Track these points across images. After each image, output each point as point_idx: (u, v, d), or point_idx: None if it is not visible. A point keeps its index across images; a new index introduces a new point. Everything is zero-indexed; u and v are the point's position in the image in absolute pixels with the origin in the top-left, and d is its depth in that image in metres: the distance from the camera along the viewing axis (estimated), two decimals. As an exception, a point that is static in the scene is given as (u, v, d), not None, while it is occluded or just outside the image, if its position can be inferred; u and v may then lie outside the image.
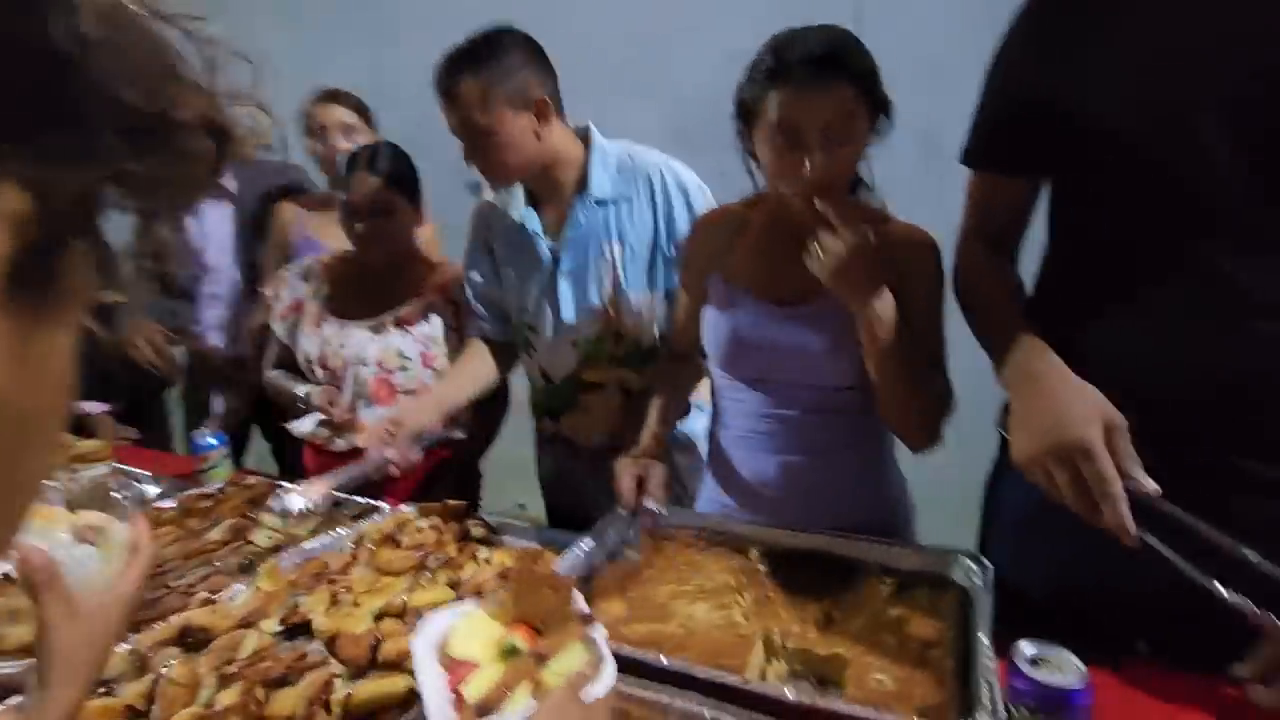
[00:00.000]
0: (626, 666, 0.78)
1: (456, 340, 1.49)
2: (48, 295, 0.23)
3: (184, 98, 0.25)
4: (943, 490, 1.29)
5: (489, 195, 1.43)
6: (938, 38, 2.02)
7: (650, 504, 1.10)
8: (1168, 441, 0.70)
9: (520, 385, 1.59)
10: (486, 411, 1.56)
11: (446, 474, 1.51)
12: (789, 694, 0.72)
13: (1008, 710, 0.66)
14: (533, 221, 1.33)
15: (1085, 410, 0.70)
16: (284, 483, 1.40)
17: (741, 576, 0.99)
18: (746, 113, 0.99)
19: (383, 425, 1.24)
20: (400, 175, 1.43)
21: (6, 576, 0.95)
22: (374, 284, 1.49)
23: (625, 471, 1.14)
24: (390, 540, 1.15)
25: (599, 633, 0.71)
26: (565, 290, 1.32)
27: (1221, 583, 0.64)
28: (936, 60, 1.83)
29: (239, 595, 1.02)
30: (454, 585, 1.03)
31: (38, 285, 0.22)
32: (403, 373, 1.44)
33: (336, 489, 1.22)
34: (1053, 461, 0.71)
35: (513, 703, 0.63)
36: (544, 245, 1.33)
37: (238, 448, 1.65)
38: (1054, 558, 0.84)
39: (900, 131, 1.00)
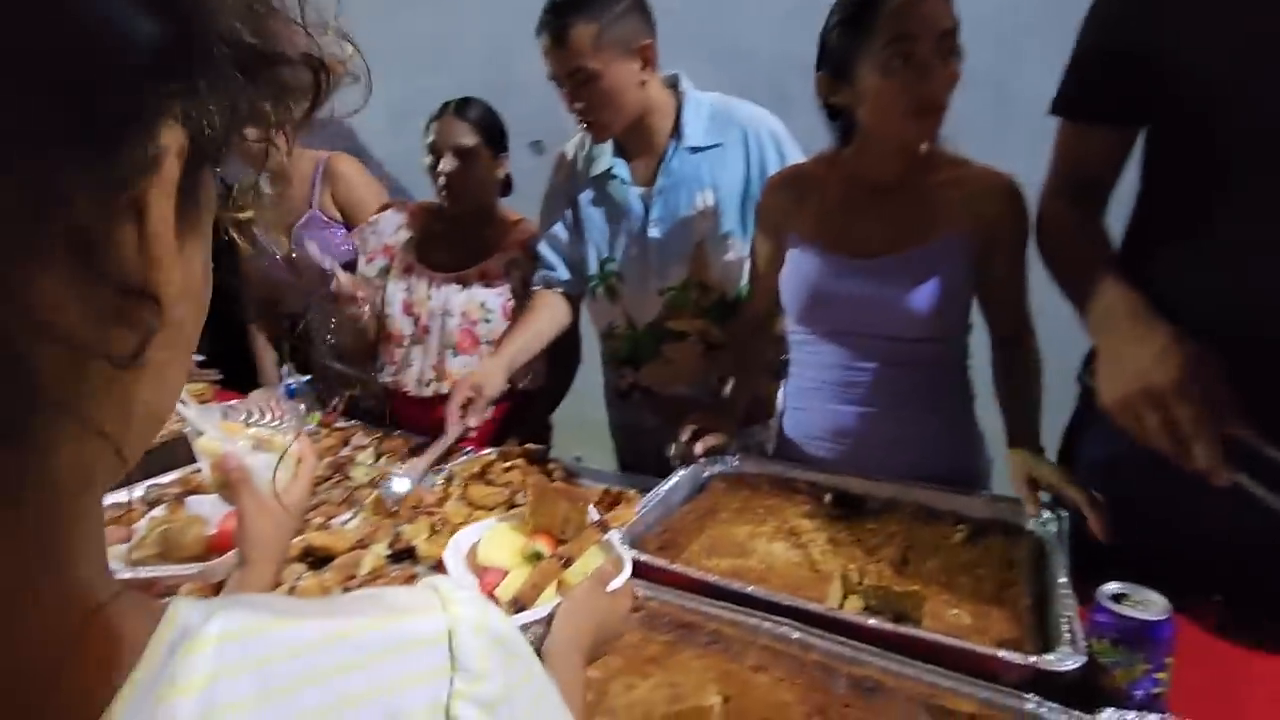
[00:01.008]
0: (717, 593, 0.84)
1: (526, 296, 1.54)
2: (193, 215, 0.26)
3: (284, 31, 0.27)
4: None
5: (570, 147, 1.46)
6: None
7: (699, 454, 1.15)
8: (1259, 384, 0.70)
9: (589, 340, 1.65)
10: (560, 364, 1.62)
11: (519, 425, 1.58)
12: (872, 622, 0.76)
13: (1088, 643, 0.70)
14: (623, 170, 1.36)
15: (1175, 353, 0.71)
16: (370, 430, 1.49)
17: (817, 520, 1.03)
18: (838, 59, 1.00)
19: (461, 393, 1.28)
20: (488, 123, 1.48)
21: (178, 498, 1.06)
22: (459, 236, 1.54)
23: (688, 424, 1.19)
24: (480, 478, 1.23)
25: (614, 536, 0.79)
26: (655, 238, 1.35)
27: None
28: (1001, 10, 1.78)
29: (349, 523, 1.11)
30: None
31: (189, 206, 0.26)
32: (485, 324, 1.51)
33: (433, 464, 1.28)
34: (1144, 404, 0.71)
35: (543, 600, 0.71)
36: (634, 194, 1.36)
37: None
38: (1133, 506, 0.85)
39: (967, 82, 1.00)
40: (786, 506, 1.07)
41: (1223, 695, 0.72)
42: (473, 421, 1.28)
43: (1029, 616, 0.79)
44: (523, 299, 1.52)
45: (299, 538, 1.03)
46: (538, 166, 1.55)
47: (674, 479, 1.13)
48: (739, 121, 1.33)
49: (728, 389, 1.29)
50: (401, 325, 1.54)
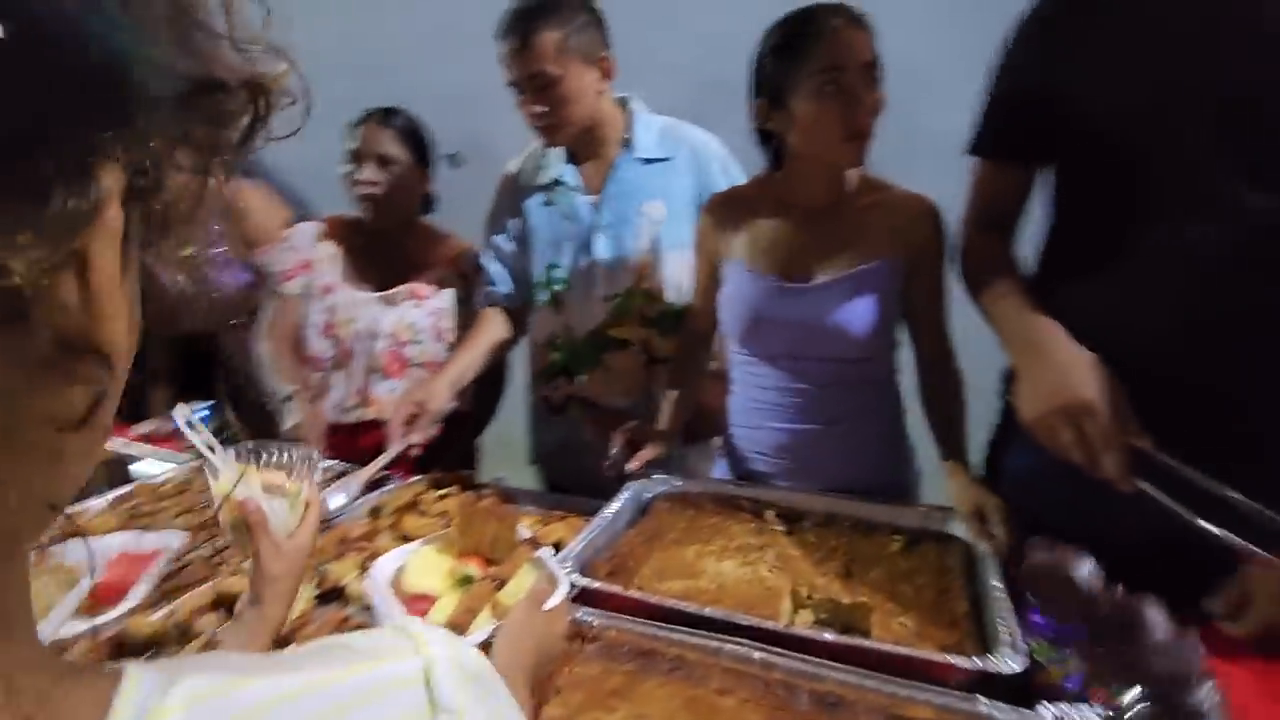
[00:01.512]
0: (675, 617, 0.83)
1: (464, 315, 1.50)
2: (130, 256, 0.25)
3: (215, 50, 0.25)
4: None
5: (515, 162, 1.46)
6: (911, 33, 2.11)
7: (634, 468, 1.16)
8: (1154, 403, 0.78)
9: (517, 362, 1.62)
10: (487, 386, 1.58)
11: (446, 451, 1.52)
12: (828, 637, 0.78)
13: (1026, 643, 0.74)
14: (572, 177, 1.38)
15: (1087, 374, 0.78)
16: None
17: (761, 536, 1.05)
18: (772, 86, 1.04)
19: (404, 409, 1.24)
20: (414, 134, 1.44)
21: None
22: (384, 252, 1.48)
23: (622, 435, 1.21)
24: (412, 509, 1.17)
25: (546, 553, 0.79)
26: (602, 245, 1.36)
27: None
28: (909, 49, 1.92)
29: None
30: (483, 549, 1.07)
31: (128, 249, 0.25)
32: (415, 346, 1.45)
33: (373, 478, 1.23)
34: (1059, 420, 0.78)
35: (478, 624, 0.70)
36: (583, 201, 1.38)
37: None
38: (1052, 512, 0.92)
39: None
40: (731, 524, 1.09)
41: None
42: (416, 437, 1.24)
43: (967, 621, 0.84)
44: (456, 318, 1.47)
45: (209, 584, 0.95)
46: (454, 179, 1.52)
47: (617, 502, 1.12)
48: (688, 141, 1.37)
49: (666, 404, 1.29)
50: (320, 348, 1.46)
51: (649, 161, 1.36)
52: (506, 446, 1.77)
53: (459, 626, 0.70)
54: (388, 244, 1.49)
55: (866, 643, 0.77)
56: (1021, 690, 0.73)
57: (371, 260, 1.49)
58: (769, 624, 0.81)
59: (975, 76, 1.07)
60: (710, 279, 1.22)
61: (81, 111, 0.21)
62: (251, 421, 1.52)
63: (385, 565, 0.82)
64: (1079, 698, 0.72)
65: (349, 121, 1.43)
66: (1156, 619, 0.63)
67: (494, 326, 1.43)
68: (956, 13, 1.98)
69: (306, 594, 0.96)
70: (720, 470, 1.29)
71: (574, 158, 1.39)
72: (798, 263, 1.12)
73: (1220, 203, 0.78)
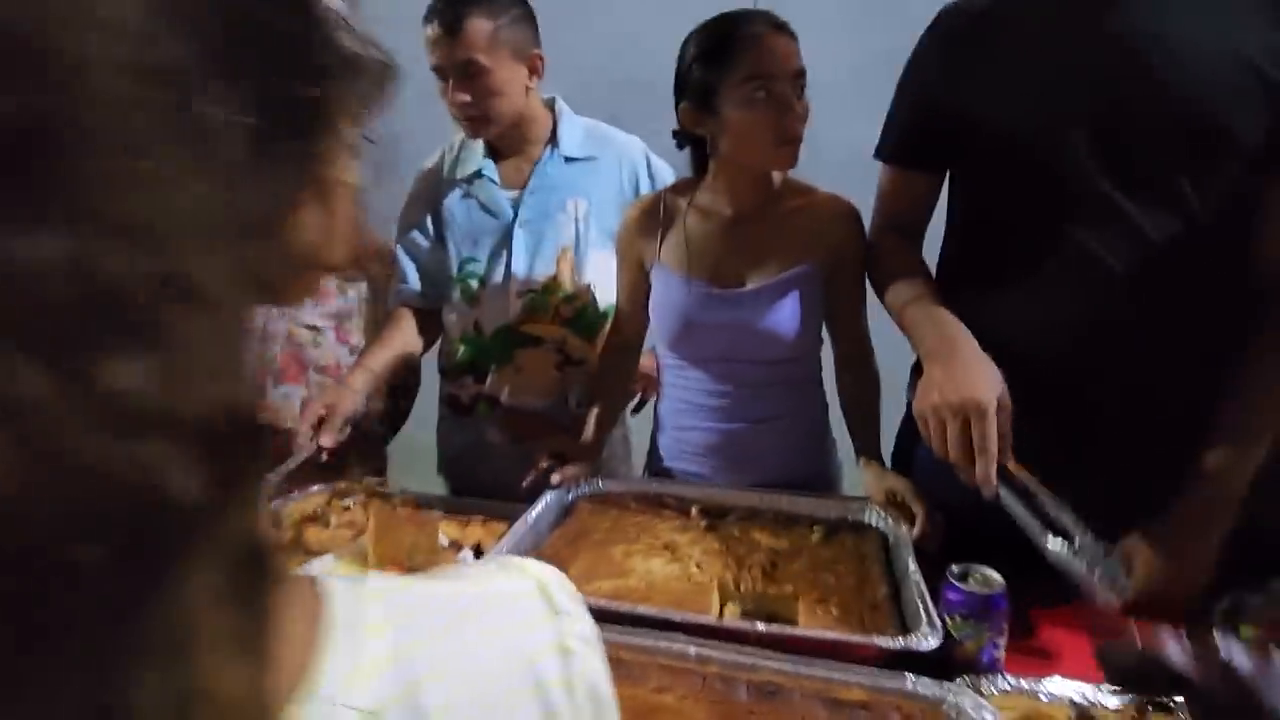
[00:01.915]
0: (607, 617, 0.81)
1: (371, 314, 1.42)
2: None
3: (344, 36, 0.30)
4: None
5: (433, 158, 1.41)
6: (810, 44, 2.22)
7: (556, 484, 1.13)
8: (1040, 396, 0.84)
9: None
10: (398, 390, 1.50)
11: (351, 455, 1.43)
12: (760, 627, 0.79)
13: (942, 620, 0.78)
14: (492, 171, 1.34)
15: (989, 380, 0.81)
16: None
17: (687, 533, 1.05)
18: (700, 92, 1.04)
19: (313, 410, 1.17)
20: None
21: None
22: None
23: (547, 454, 1.17)
24: (316, 520, 1.09)
25: (467, 556, 0.76)
26: (521, 240, 1.33)
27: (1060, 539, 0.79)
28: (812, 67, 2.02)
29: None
30: (398, 561, 1.00)
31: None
32: (315, 349, 1.35)
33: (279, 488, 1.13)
34: (949, 414, 0.80)
35: None
36: (503, 195, 1.34)
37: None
38: (954, 501, 0.97)
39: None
40: (656, 522, 1.08)
41: (1032, 648, 0.85)
42: (326, 441, 1.16)
43: (887, 604, 0.87)
44: (363, 318, 1.39)
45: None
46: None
47: (539, 505, 1.09)
48: (614, 143, 1.36)
49: (591, 417, 1.26)
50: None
51: (573, 160, 1.34)
52: (414, 454, 1.68)
53: None
54: None
55: (796, 630, 0.79)
56: (941, 664, 0.77)
57: None
58: (703, 618, 0.81)
59: (872, 88, 1.13)
60: (635, 284, 1.22)
61: (339, 67, 0.29)
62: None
63: None
64: (993, 669, 0.77)
65: None
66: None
67: (406, 326, 1.37)
68: (855, 26, 2.10)
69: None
70: (652, 467, 1.29)
71: (495, 154, 1.36)
72: (727, 268, 1.13)
73: (1102, 211, 0.86)
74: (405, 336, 1.36)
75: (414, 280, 1.39)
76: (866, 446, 1.13)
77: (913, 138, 1.04)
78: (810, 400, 1.21)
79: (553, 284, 1.33)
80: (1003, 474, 0.79)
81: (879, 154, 1.08)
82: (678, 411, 1.22)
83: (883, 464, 1.11)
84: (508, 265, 1.33)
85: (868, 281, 1.12)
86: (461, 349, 1.41)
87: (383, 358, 1.30)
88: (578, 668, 0.33)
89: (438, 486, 1.54)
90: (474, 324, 1.38)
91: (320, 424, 1.16)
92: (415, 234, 1.39)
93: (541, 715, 0.31)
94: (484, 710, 0.30)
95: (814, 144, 1.28)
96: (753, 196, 1.13)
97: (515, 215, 1.33)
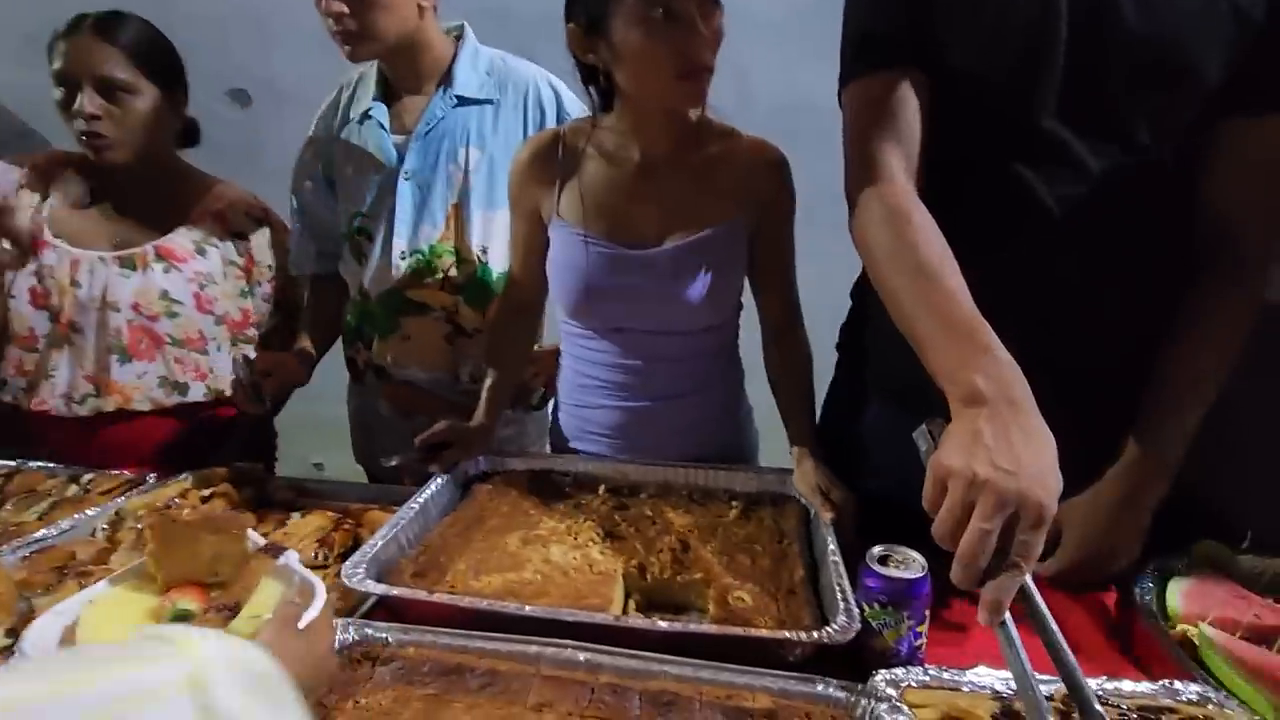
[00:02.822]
0: (487, 622, 0.71)
1: (243, 278, 1.24)
2: None
3: None
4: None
5: (325, 103, 1.26)
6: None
7: (436, 470, 1.02)
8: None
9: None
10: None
11: (231, 434, 1.28)
12: (662, 625, 0.70)
13: (860, 608, 0.71)
14: (380, 113, 1.19)
15: (1054, 471, 0.56)
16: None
17: (593, 515, 0.95)
18: (591, 10, 0.89)
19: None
20: (148, 49, 1.13)
21: None
22: (124, 201, 1.18)
23: (431, 436, 1.03)
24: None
25: (291, 558, 0.64)
26: (405, 193, 1.18)
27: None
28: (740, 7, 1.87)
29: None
30: (259, 560, 0.87)
31: None
32: (170, 320, 1.17)
33: None
34: (993, 500, 0.53)
35: None
36: (389, 140, 1.18)
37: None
38: (887, 475, 0.89)
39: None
40: (559, 504, 0.98)
41: (954, 637, 0.78)
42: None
43: (804, 588, 0.80)
44: (227, 282, 1.23)
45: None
46: (240, 121, 1.25)
47: (430, 487, 0.98)
48: (519, 82, 1.21)
49: (483, 395, 1.12)
50: (32, 321, 1.14)
51: (466, 102, 1.18)
52: (324, 428, 1.53)
53: None
54: (132, 190, 1.19)
55: (701, 628, 0.70)
56: (858, 656, 0.70)
57: (105, 212, 1.18)
58: (598, 617, 0.72)
59: (815, 29, 0.98)
60: (531, 240, 1.06)
61: None
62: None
63: (47, 626, 0.57)
64: (913, 660, 0.70)
65: (55, 32, 1.10)
66: None
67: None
68: None
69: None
70: (552, 447, 1.18)
71: (388, 92, 1.20)
72: (636, 225, 0.99)
73: (1054, 151, 0.77)
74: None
75: (300, 240, 1.26)
76: (799, 434, 1.02)
77: (889, 30, 0.81)
78: (724, 371, 1.11)
79: (438, 246, 1.19)
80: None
81: (850, 73, 0.84)
82: (579, 388, 1.10)
83: (815, 455, 0.98)
84: (391, 220, 1.18)
85: (864, 262, 0.82)
86: (351, 313, 1.27)
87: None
88: None
89: (332, 455, 1.40)
90: (360, 287, 1.23)
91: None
92: (308, 184, 1.24)
93: None
94: None
95: (746, 90, 1.16)
96: (664, 140, 0.99)
97: (400, 163, 1.17)
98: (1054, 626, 0.52)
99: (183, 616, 0.56)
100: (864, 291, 0.99)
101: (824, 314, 1.09)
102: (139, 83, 1.11)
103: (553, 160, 1.02)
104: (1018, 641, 0.52)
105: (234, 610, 0.56)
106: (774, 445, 1.19)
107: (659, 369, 1.04)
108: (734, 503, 0.99)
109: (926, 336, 0.66)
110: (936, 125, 0.81)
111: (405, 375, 1.25)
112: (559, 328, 1.12)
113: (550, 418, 1.21)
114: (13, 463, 1.08)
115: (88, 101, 1.08)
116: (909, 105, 0.79)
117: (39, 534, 0.90)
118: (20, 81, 1.79)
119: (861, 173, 0.79)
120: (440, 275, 1.20)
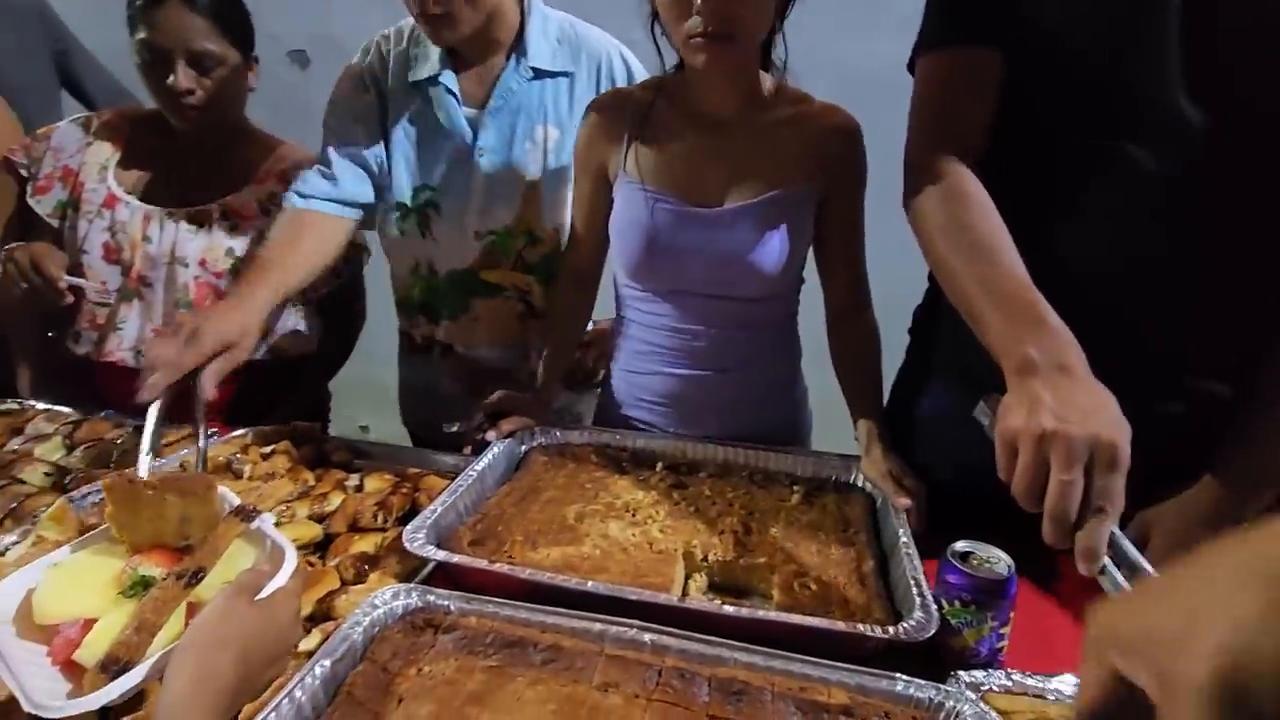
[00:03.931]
0: (547, 595, 0.70)
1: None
2: None
3: None
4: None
5: (371, 46, 1.15)
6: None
7: (494, 438, 1.01)
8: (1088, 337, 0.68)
9: (375, 285, 1.38)
10: (338, 320, 1.34)
11: (287, 396, 1.29)
12: (728, 610, 0.68)
13: (939, 604, 0.67)
14: (451, 81, 1.11)
15: (1118, 414, 0.56)
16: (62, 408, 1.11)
17: (651, 492, 0.93)
18: None
19: (206, 344, 0.87)
20: (232, 16, 1.13)
21: None
22: (191, 160, 1.18)
23: (489, 405, 1.03)
24: (226, 469, 0.95)
25: (265, 521, 0.61)
26: (480, 170, 1.12)
27: None
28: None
29: (10, 550, 0.78)
30: (319, 519, 0.88)
31: None
32: (234, 276, 1.17)
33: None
34: (1064, 450, 0.53)
35: (161, 643, 0.51)
36: (461, 113, 1.12)
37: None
38: (961, 463, 0.84)
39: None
40: (617, 479, 0.96)
41: (1037, 639, 0.73)
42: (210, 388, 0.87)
43: (874, 580, 0.76)
44: None
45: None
46: (298, 84, 1.22)
47: (487, 456, 0.97)
48: (592, 52, 1.14)
49: (542, 360, 1.11)
50: (104, 275, 1.15)
51: (542, 75, 1.12)
52: (372, 389, 1.54)
53: (127, 655, 0.49)
54: (198, 151, 1.19)
55: (771, 615, 0.68)
56: (933, 654, 0.67)
57: (175, 169, 1.19)
58: (661, 598, 0.70)
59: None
60: (595, 200, 1.04)
61: None
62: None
63: (4, 593, 0.55)
64: (992, 663, 0.67)
65: (135, 1, 1.10)
66: None
67: (318, 234, 1.09)
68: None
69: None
70: (604, 417, 1.16)
71: (452, 59, 1.12)
72: (701, 183, 0.96)
73: (1159, 116, 0.70)
74: (312, 247, 1.08)
75: (344, 181, 1.13)
76: (866, 419, 0.97)
77: (974, 4, 0.78)
78: (781, 347, 1.08)
79: (515, 227, 1.15)
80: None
81: (927, 44, 0.82)
82: (635, 353, 1.07)
83: (884, 441, 0.94)
84: (465, 198, 1.13)
85: (917, 236, 0.80)
86: (415, 289, 1.24)
87: (279, 277, 1.00)
88: None
89: (379, 420, 1.39)
90: (428, 263, 1.20)
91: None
92: (355, 132, 1.13)
93: None
94: None
95: (807, 61, 1.09)
96: (729, 100, 0.95)
97: (475, 139, 1.12)
98: (1151, 571, 0.50)
99: (143, 582, 0.54)
100: None
101: (895, 300, 1.04)
102: (226, 52, 1.11)
103: (622, 118, 1.00)
104: (1125, 586, 0.50)
105: (198, 576, 0.54)
106: (826, 432, 1.15)
107: (716, 336, 1.01)
108: (795, 487, 0.95)
109: (981, 312, 0.67)
110: (1018, 100, 0.76)
111: (474, 354, 1.23)
112: (618, 294, 1.09)
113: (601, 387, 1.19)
114: (80, 413, 1.11)
115: (181, 76, 1.08)
116: (981, 83, 0.78)
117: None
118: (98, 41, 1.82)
119: (922, 147, 0.79)
120: (514, 256, 1.17)
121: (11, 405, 1.13)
